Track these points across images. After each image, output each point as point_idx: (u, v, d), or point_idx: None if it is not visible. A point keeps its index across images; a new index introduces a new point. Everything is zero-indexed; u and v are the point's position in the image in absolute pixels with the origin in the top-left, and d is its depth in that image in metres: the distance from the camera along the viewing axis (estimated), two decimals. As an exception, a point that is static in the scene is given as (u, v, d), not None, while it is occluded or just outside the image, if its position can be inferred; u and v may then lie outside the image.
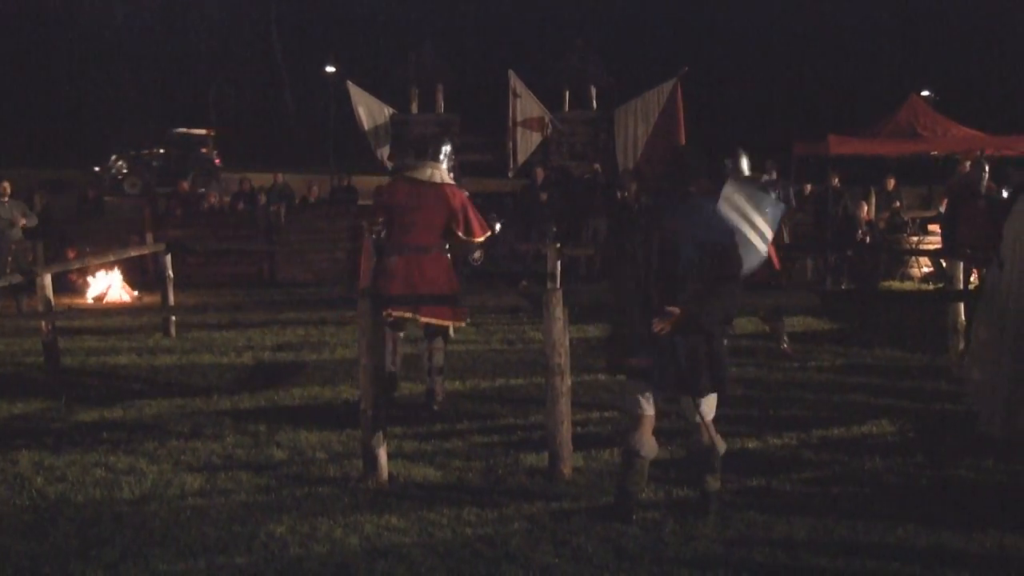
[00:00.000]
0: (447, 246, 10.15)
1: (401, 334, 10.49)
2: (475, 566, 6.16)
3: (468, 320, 11.12)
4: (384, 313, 9.47)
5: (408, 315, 9.86)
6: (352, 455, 8.27)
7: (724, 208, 9.90)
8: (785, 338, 12.51)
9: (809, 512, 6.96)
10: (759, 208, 10.19)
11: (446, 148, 10.24)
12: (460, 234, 9.98)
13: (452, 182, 10.12)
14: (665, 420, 7.27)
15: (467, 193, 10.58)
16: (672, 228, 6.59)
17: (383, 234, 10.19)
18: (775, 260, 11.67)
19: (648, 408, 6.80)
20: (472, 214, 10.05)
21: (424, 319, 9.91)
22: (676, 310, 6.50)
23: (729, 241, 6.77)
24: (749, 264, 9.86)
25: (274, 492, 7.60)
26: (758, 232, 10.08)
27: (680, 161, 6.94)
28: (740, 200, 10.05)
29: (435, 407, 10.01)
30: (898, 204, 22.30)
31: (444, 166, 10.13)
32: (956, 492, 7.46)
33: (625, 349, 6.75)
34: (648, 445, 6.81)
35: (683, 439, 7.14)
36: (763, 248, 10.14)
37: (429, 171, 10.00)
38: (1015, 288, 8.20)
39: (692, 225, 6.64)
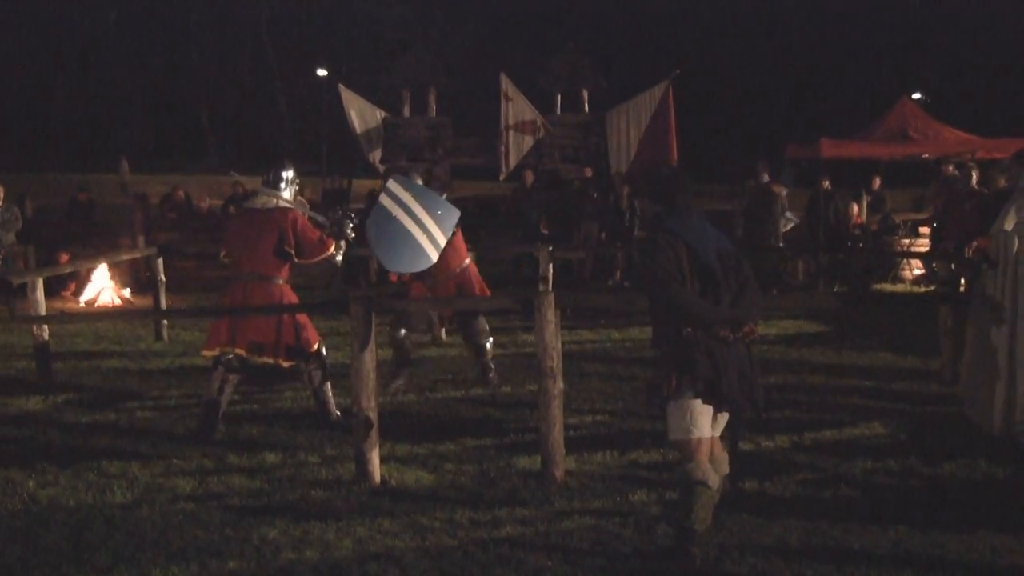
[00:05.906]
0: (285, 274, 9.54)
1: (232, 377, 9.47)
2: (468, 569, 6.16)
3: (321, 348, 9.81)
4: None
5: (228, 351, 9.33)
6: (345, 458, 8.25)
7: (386, 203, 9.65)
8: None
9: (802, 515, 6.96)
10: (430, 210, 9.75)
11: (287, 174, 9.58)
12: (293, 255, 9.39)
13: (289, 206, 9.50)
14: (650, 423, 7.24)
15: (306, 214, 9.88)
16: (691, 241, 6.28)
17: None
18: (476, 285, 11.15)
19: (707, 430, 6.23)
20: (303, 233, 9.36)
21: (244, 354, 9.33)
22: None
23: (736, 248, 6.57)
24: (413, 266, 9.81)
25: (266, 496, 7.59)
26: (428, 235, 9.66)
27: (676, 179, 6.68)
28: (408, 198, 9.68)
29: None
30: (887, 203, 22.31)
31: (286, 193, 9.52)
32: (949, 494, 7.48)
33: (682, 371, 6.19)
34: (711, 472, 6.20)
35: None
36: (432, 253, 9.73)
37: (263, 199, 9.48)
38: (1008, 287, 8.20)
39: (706, 236, 6.35)
